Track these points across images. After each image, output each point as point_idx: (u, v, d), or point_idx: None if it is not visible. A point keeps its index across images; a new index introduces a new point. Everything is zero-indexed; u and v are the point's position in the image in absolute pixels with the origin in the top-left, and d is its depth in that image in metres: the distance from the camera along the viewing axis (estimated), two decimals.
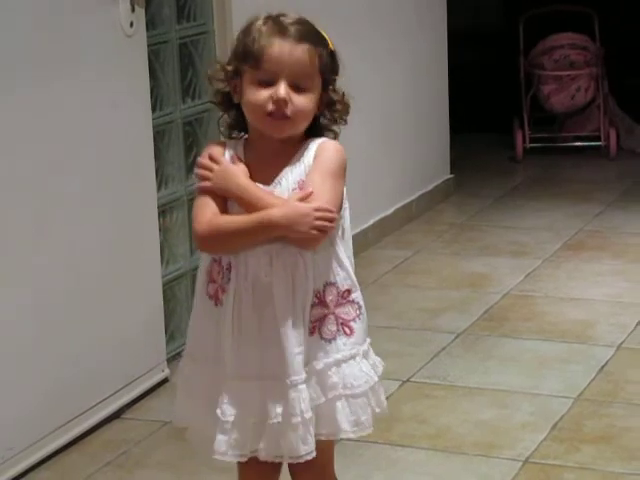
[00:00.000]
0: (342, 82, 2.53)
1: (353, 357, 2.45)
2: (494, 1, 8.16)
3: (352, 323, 2.45)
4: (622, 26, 7.31)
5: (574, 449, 3.52)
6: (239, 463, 2.51)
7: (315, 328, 2.42)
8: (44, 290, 3.57)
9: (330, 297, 2.43)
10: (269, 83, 2.34)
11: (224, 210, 2.42)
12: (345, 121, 2.47)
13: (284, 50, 2.33)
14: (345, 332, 2.44)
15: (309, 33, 2.38)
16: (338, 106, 2.44)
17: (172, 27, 4.23)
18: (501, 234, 5.73)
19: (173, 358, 4.12)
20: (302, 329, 2.40)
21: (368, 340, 2.52)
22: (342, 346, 2.44)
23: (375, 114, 5.56)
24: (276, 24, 2.37)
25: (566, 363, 4.18)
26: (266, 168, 2.43)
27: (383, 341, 4.40)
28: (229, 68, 2.42)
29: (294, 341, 2.39)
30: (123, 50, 3.82)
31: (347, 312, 2.45)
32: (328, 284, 2.44)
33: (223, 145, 2.48)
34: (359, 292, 2.49)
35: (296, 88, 2.34)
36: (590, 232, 5.69)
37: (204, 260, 2.51)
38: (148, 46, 3.97)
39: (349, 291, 2.46)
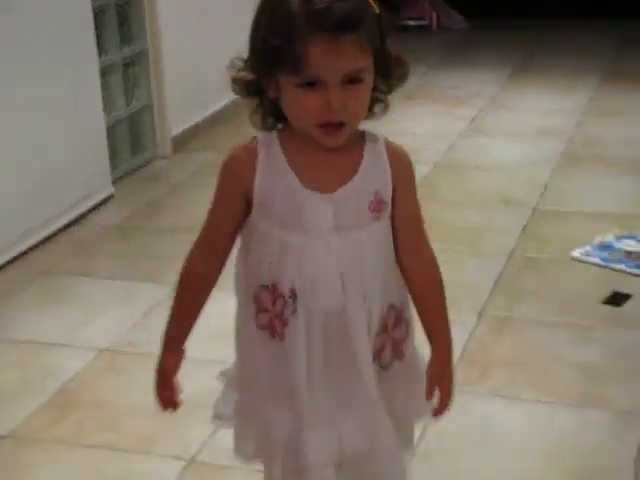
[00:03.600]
0: None
1: (408, 384, 1.63)
2: None
3: (403, 345, 1.60)
4: None
5: None
6: None
7: (376, 357, 1.57)
8: (24, 129, 3.47)
9: (390, 320, 1.57)
10: (314, 83, 1.38)
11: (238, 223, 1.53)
12: (402, 83, 1.49)
13: (330, 50, 1.35)
14: (398, 355, 1.60)
15: (353, 15, 1.36)
16: (396, 72, 1.46)
17: None
18: None
19: (116, 180, 4.10)
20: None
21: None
22: (398, 373, 1.61)
23: None
24: (309, 13, 1.35)
25: None
26: (322, 170, 1.47)
27: None
28: (256, 66, 1.44)
29: (371, 372, 1.55)
30: None
31: (399, 333, 1.59)
32: (391, 307, 1.56)
33: (253, 151, 1.48)
34: (410, 309, 1.62)
35: (348, 81, 1.38)
36: (418, 86, 5.65)
37: (246, 285, 1.55)
38: None
39: (403, 309, 1.59)
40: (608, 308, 2.99)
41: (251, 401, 1.61)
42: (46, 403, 2.60)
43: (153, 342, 2.87)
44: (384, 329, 1.55)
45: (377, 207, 1.49)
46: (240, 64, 1.47)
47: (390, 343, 1.57)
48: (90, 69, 3.86)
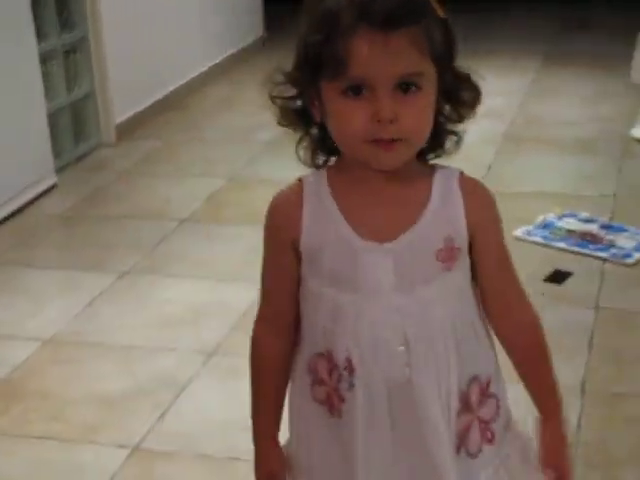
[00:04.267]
0: None
1: (496, 471, 1.34)
2: None
3: (493, 425, 1.32)
4: None
5: None
6: None
7: (461, 444, 1.29)
8: None
9: (474, 396, 1.29)
10: (359, 90, 1.15)
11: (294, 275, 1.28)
12: (475, 112, 1.25)
13: (376, 46, 1.12)
14: (487, 438, 1.31)
15: (407, 6, 1.13)
16: (464, 95, 1.22)
17: None
18: None
19: (60, 169, 4.06)
20: (451, 447, 1.28)
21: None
22: (488, 459, 1.32)
23: None
24: (355, 4, 1.13)
25: None
26: (379, 213, 1.23)
27: None
28: (298, 77, 1.20)
29: (450, 462, 1.27)
30: None
31: (488, 411, 1.31)
32: (473, 379, 1.29)
33: (298, 194, 1.25)
34: (501, 378, 1.34)
35: (403, 88, 1.15)
36: None
37: (299, 352, 1.32)
38: None
39: (490, 381, 1.31)
40: (550, 286, 3.02)
41: None
42: None
43: (99, 331, 2.89)
44: (467, 407, 1.28)
45: (448, 256, 1.23)
46: (280, 78, 1.21)
47: (477, 424, 1.29)
48: (29, 56, 3.79)
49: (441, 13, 1.18)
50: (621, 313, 2.85)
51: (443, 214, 1.23)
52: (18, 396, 2.55)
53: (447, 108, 1.22)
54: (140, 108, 4.70)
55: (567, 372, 2.55)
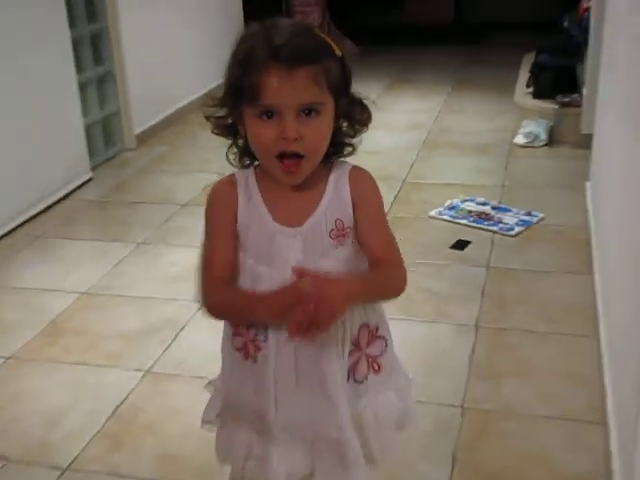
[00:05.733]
0: None
1: (382, 393, 1.31)
2: None
3: (380, 359, 1.30)
4: None
5: None
6: None
7: (350, 374, 1.27)
8: (24, 135, 3.31)
9: (363, 339, 1.28)
10: (271, 114, 1.13)
11: (233, 251, 1.23)
12: (366, 128, 1.23)
13: (283, 80, 1.11)
14: (374, 369, 1.30)
15: (308, 49, 1.13)
16: (357, 115, 1.21)
17: None
18: None
19: (94, 167, 4.00)
20: (344, 380, 1.26)
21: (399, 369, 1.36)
22: (372, 385, 1.29)
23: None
24: (268, 47, 1.12)
25: None
26: (289, 205, 1.22)
27: None
28: (226, 102, 1.19)
29: (344, 397, 1.25)
30: None
31: (375, 349, 1.30)
32: (362, 326, 1.27)
33: (233, 183, 1.23)
34: (386, 324, 1.32)
35: (306, 113, 1.14)
36: None
37: None
38: None
39: (378, 327, 1.30)
40: (454, 252, 3.04)
41: (225, 412, 1.33)
42: (41, 332, 2.54)
43: (121, 286, 2.86)
44: (357, 347, 1.26)
45: (338, 234, 1.21)
46: (211, 102, 1.20)
47: (364, 359, 1.27)
48: (70, 84, 3.74)
49: (338, 52, 1.16)
50: (505, 270, 2.88)
51: (335, 202, 1.21)
52: (61, 333, 2.53)
53: (345, 125, 1.21)
54: (154, 122, 4.64)
55: (465, 314, 2.58)
